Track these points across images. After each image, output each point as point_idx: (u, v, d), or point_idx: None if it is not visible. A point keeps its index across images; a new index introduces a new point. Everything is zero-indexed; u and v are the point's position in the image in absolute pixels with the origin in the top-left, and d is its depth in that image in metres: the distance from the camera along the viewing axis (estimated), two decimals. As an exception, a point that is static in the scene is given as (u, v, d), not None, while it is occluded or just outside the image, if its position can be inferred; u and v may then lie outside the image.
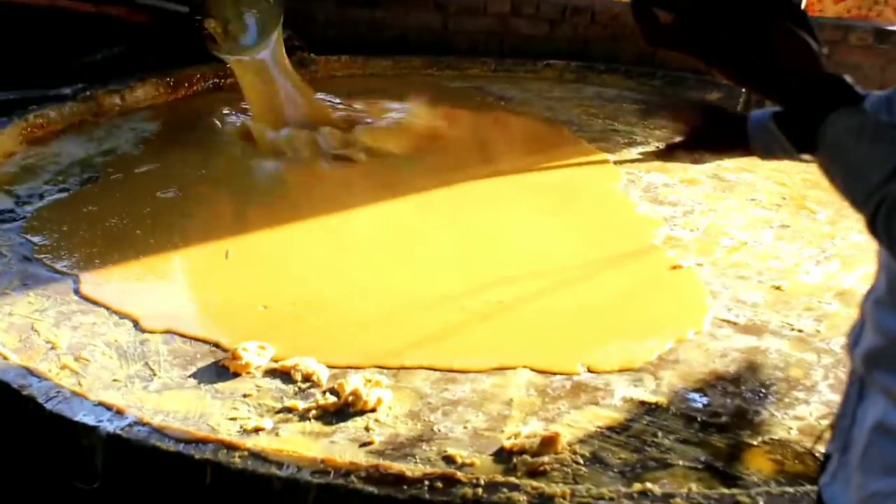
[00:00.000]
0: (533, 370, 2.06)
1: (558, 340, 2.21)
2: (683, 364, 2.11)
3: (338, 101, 4.09)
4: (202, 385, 1.99)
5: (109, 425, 1.72)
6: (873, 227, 0.83)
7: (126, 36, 4.39)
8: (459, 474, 1.59)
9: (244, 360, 2.02)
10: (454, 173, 3.27)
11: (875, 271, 0.94)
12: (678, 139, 1.13)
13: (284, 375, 2.02)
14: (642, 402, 1.96)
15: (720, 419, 1.91)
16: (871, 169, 0.83)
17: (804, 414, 1.93)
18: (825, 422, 1.90)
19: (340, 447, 1.78)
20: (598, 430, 1.86)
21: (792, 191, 3.22)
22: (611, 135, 3.83)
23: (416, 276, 2.55)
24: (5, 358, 1.96)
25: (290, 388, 1.98)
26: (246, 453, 1.65)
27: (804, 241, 2.81)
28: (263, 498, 1.62)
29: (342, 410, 1.89)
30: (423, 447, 1.79)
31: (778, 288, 2.49)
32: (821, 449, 1.78)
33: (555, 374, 2.05)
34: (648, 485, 1.60)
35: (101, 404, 1.79)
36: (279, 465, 1.62)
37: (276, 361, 2.06)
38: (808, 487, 1.60)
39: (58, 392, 1.82)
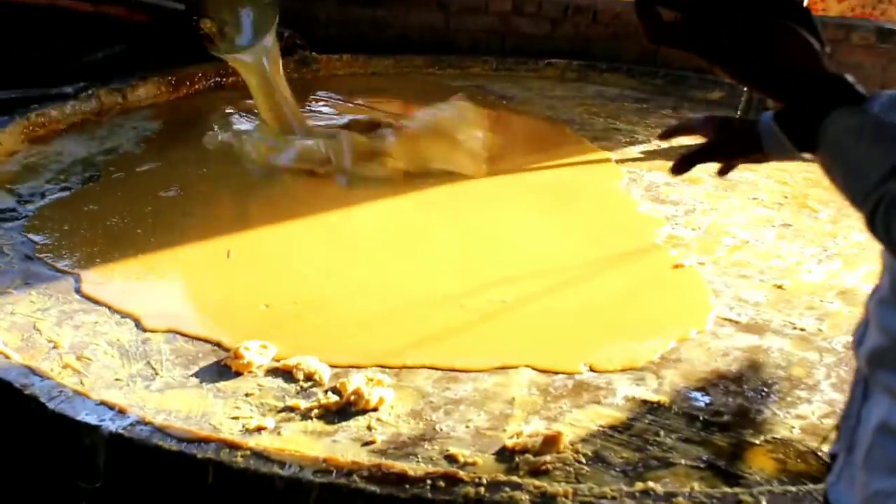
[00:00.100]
0: (535, 369, 2.06)
1: (560, 339, 2.21)
2: (685, 363, 2.11)
3: (357, 101, 4.00)
4: (204, 384, 1.99)
5: (112, 424, 1.72)
6: (872, 226, 0.83)
7: (127, 35, 4.40)
8: (462, 473, 1.59)
9: (246, 360, 2.02)
10: (456, 172, 3.27)
11: (879, 271, 0.94)
12: (692, 149, 1.12)
13: (286, 375, 2.02)
14: (644, 401, 1.95)
15: (722, 418, 1.91)
16: (870, 167, 0.83)
17: (806, 413, 1.93)
18: (827, 421, 1.90)
19: (342, 446, 1.78)
20: (601, 429, 1.86)
21: (794, 190, 3.21)
22: (612, 133, 3.83)
23: (418, 275, 2.55)
24: (7, 357, 1.96)
25: (292, 388, 1.98)
26: (248, 452, 1.64)
27: (806, 240, 2.81)
28: (266, 497, 1.63)
29: (344, 410, 1.89)
30: (426, 446, 1.79)
31: (780, 287, 2.49)
32: (825, 449, 1.78)
33: (557, 373, 2.05)
34: (651, 484, 1.60)
35: (103, 403, 1.79)
36: (281, 464, 1.62)
37: (278, 361, 2.06)
38: (811, 486, 1.60)
39: (60, 391, 1.82)
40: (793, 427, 1.88)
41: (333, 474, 1.59)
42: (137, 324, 2.23)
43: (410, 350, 2.13)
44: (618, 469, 1.73)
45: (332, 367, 2.04)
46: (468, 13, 4.99)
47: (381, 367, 2.06)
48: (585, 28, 4.86)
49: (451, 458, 1.74)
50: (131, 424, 1.72)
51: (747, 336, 2.23)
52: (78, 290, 2.38)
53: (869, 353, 0.94)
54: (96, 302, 2.33)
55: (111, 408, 1.77)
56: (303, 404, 1.90)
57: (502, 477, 1.61)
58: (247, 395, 1.95)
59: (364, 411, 1.88)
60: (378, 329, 2.24)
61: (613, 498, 1.55)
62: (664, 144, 3.37)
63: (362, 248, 2.75)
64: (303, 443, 1.77)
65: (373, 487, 1.56)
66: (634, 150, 3.63)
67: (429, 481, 1.57)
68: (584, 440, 1.81)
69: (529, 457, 1.74)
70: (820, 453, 1.78)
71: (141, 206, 2.95)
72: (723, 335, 2.24)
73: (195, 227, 2.80)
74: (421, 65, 4.77)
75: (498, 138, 3.51)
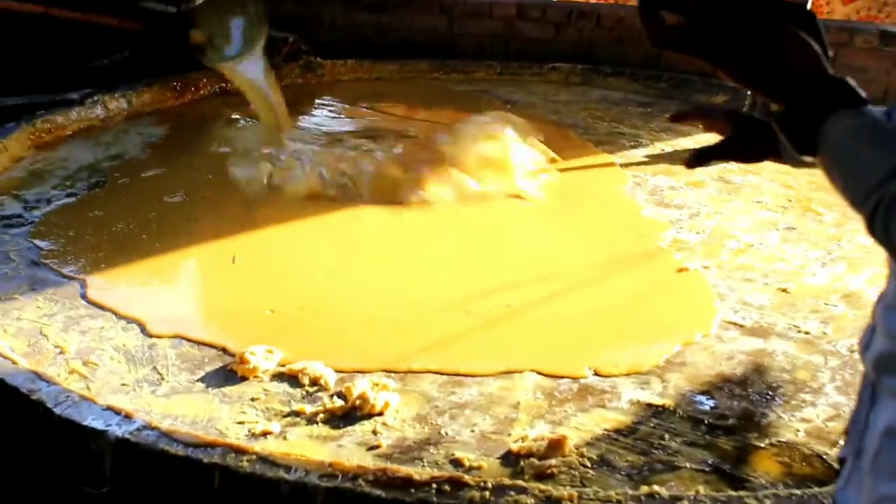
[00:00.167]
0: (540, 373, 2.06)
1: (565, 344, 2.21)
2: (690, 366, 2.11)
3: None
4: (210, 389, 1.99)
5: (118, 429, 1.72)
6: (872, 227, 0.84)
7: (132, 41, 4.42)
8: (467, 477, 1.59)
9: (252, 365, 2.03)
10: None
11: (886, 276, 0.94)
12: (707, 145, 1.11)
13: (292, 379, 2.02)
14: (649, 405, 1.95)
15: (727, 421, 1.91)
16: (870, 169, 0.83)
17: (811, 416, 1.93)
18: (832, 424, 1.90)
19: (348, 451, 1.78)
20: (606, 432, 1.86)
21: (798, 193, 3.21)
22: (617, 137, 3.84)
23: (423, 280, 2.55)
24: (14, 363, 1.97)
25: (298, 392, 1.98)
26: (254, 457, 1.65)
27: (810, 244, 2.81)
28: (272, 502, 1.63)
29: (350, 414, 1.90)
30: (431, 450, 1.79)
31: (784, 290, 2.48)
32: (830, 453, 1.78)
33: (562, 377, 2.05)
34: (656, 487, 1.60)
35: (109, 409, 1.79)
36: (287, 468, 1.62)
37: (284, 365, 2.06)
38: (816, 489, 1.60)
39: (66, 396, 1.82)
40: (798, 430, 1.88)
41: (339, 479, 1.59)
42: (143, 329, 2.23)
43: (416, 354, 2.13)
44: (623, 473, 1.73)
45: (338, 371, 2.05)
46: (472, 18, 5.00)
47: (387, 371, 2.06)
48: (589, 32, 4.87)
49: (456, 463, 1.74)
50: (137, 429, 1.72)
51: (752, 339, 2.23)
52: (84, 296, 2.39)
53: (876, 358, 0.94)
54: (102, 307, 2.33)
55: (117, 413, 1.77)
56: (308, 409, 1.90)
57: (507, 481, 1.61)
58: (252, 399, 1.95)
59: (369, 416, 1.89)
60: (383, 334, 2.25)
61: (619, 501, 1.55)
62: (670, 142, 3.37)
63: (367, 252, 2.76)
64: (308, 447, 1.78)
65: (378, 491, 1.56)
66: (638, 154, 3.64)
67: (434, 485, 1.57)
68: (589, 444, 1.81)
69: (535, 461, 1.74)
70: (825, 456, 1.78)
71: (146, 212, 2.96)
72: (727, 339, 2.24)
73: (200, 233, 2.81)
74: (425, 69, 4.79)
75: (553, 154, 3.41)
